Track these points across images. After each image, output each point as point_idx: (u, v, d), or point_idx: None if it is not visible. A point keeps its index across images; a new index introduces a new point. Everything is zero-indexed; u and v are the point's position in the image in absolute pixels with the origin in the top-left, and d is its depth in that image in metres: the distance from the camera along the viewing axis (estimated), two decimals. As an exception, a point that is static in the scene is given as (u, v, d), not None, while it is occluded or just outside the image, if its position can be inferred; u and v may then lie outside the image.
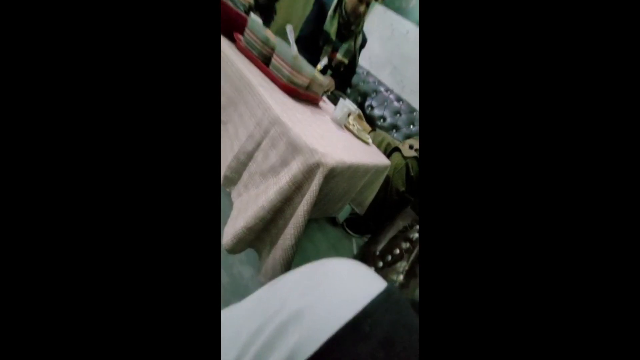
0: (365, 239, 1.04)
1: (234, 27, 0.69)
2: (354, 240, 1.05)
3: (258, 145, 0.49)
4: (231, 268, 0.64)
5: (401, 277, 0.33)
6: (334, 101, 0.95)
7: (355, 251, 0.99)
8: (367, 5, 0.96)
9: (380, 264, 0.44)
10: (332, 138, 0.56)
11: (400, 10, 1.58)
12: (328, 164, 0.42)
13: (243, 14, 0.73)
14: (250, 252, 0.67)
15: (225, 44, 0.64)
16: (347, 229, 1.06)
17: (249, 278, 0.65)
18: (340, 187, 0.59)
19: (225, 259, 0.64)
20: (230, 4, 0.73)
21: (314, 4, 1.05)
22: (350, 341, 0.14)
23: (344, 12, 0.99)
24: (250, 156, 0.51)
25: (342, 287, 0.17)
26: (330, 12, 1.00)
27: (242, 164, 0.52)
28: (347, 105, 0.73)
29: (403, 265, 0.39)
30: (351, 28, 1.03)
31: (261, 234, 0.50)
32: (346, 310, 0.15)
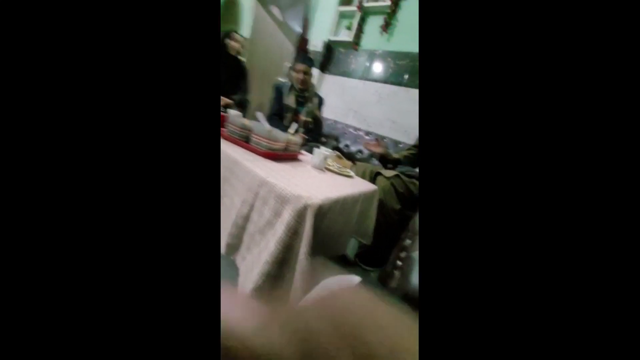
0: (384, 270, 0.99)
1: (217, 122, 0.89)
2: (372, 275, 1.00)
3: (252, 206, 0.55)
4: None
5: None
6: (312, 152, 1.11)
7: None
8: (305, 73, 1.35)
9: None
10: (314, 182, 0.64)
11: (344, 73, 2.05)
12: (315, 204, 0.48)
13: (223, 113, 0.94)
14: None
15: (211, 137, 0.79)
16: (361, 264, 1.02)
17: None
18: (337, 221, 0.63)
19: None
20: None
21: (274, 91, 1.48)
22: None
23: (295, 87, 1.41)
24: (247, 218, 0.56)
25: None
26: (286, 92, 1.43)
27: (241, 227, 0.57)
28: (321, 151, 0.85)
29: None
30: (305, 95, 1.43)
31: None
32: None
